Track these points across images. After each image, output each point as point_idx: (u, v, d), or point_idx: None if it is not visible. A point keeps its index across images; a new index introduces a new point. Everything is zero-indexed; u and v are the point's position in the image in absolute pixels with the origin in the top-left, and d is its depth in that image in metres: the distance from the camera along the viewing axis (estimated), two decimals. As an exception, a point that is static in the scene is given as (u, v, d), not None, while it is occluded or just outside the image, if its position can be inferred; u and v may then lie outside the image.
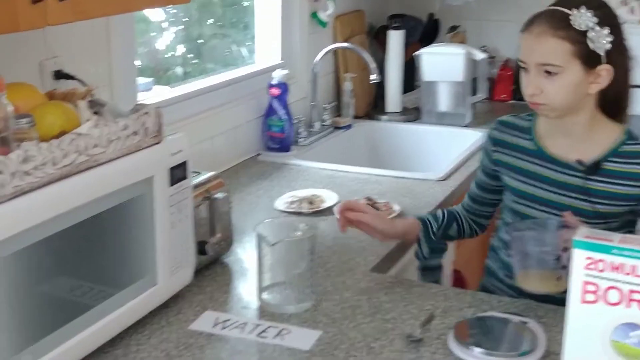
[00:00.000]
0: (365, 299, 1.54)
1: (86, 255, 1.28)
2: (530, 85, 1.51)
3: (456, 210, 1.77)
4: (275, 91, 2.49)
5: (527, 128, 1.63)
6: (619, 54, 1.50)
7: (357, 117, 2.94)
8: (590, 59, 1.48)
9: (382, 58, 3.02)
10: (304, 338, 1.39)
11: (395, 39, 2.98)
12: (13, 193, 1.12)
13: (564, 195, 1.57)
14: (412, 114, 2.99)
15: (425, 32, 3.31)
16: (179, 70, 2.54)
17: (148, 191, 1.39)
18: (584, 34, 1.46)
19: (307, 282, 1.51)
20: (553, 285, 1.42)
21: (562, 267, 1.39)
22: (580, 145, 1.57)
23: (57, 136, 1.22)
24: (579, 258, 1.17)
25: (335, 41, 2.89)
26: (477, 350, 1.31)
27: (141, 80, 2.14)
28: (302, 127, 2.64)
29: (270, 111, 2.52)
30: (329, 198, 2.09)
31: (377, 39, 3.23)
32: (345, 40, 2.89)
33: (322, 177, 2.32)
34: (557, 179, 1.58)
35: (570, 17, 1.46)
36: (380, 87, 3.00)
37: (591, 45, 1.46)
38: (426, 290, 1.57)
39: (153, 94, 2.22)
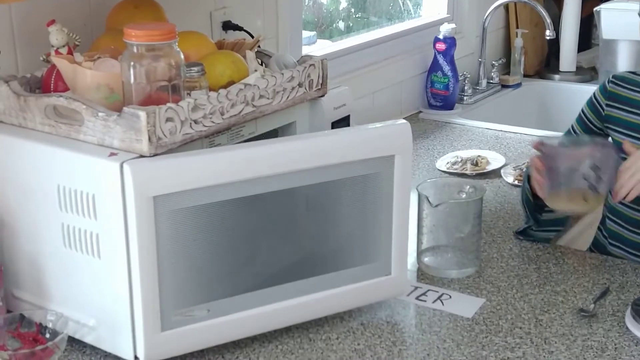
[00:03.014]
0: (534, 268, 1.45)
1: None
2: None
3: None
4: (441, 46, 2.40)
5: None
6: None
7: (527, 75, 2.80)
8: None
9: (556, 14, 2.85)
10: (466, 305, 1.33)
11: (573, -7, 2.79)
12: (182, 140, 1.13)
13: None
14: (587, 74, 2.82)
15: (605, -14, 3.06)
16: (341, 24, 2.51)
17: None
18: None
19: (471, 247, 1.44)
20: (581, 205, 1.38)
21: (590, 187, 1.35)
22: None
23: (226, 86, 1.22)
24: None
25: (506, -6, 2.74)
26: (659, 332, 1.20)
27: (304, 34, 2.12)
28: (468, 84, 2.54)
29: (434, 67, 2.43)
30: (495, 160, 1.99)
31: (552, -7, 3.03)
32: (518, -6, 2.73)
33: (488, 138, 2.21)
34: None
35: None
36: (553, 44, 2.84)
37: None
38: (601, 263, 1.46)
39: (317, 48, 2.20)
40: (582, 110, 1.60)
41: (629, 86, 1.52)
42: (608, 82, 1.55)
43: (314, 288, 1.23)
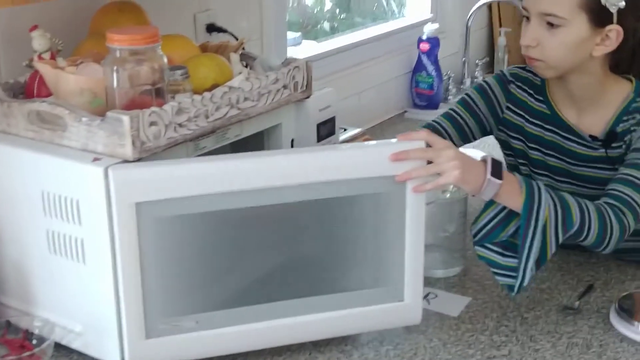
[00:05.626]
0: (519, 266, 1.46)
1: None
2: (527, 35, 1.35)
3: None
4: (425, 46, 2.41)
5: (540, 87, 1.46)
6: (632, 16, 1.32)
7: (510, 74, 2.80)
8: (599, 16, 1.31)
9: (539, 11, 2.86)
10: (452, 304, 1.33)
11: (555, -9, 2.80)
12: (167, 144, 1.12)
13: (584, 166, 1.42)
14: (570, 71, 2.82)
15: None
16: (326, 25, 2.52)
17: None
18: None
19: (457, 246, 1.45)
20: None
21: None
22: (590, 110, 1.41)
23: (210, 89, 1.22)
24: None
25: (489, -6, 2.76)
26: (643, 327, 1.22)
27: (289, 35, 2.13)
28: (452, 83, 2.55)
29: (418, 67, 2.44)
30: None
31: (534, -8, 3.05)
32: (501, -7, 2.75)
33: (472, 137, 2.21)
34: (576, 151, 1.43)
35: None
36: (536, 42, 2.84)
37: (603, 1, 1.30)
38: (585, 260, 1.47)
39: (302, 49, 2.21)
40: (471, 98, 1.49)
41: (524, 86, 1.47)
42: (509, 83, 1.48)
43: (312, 308, 1.17)
